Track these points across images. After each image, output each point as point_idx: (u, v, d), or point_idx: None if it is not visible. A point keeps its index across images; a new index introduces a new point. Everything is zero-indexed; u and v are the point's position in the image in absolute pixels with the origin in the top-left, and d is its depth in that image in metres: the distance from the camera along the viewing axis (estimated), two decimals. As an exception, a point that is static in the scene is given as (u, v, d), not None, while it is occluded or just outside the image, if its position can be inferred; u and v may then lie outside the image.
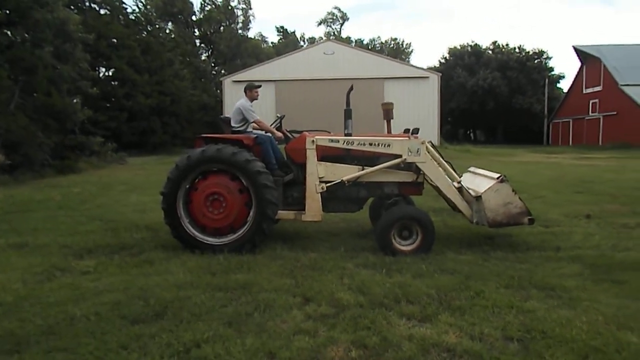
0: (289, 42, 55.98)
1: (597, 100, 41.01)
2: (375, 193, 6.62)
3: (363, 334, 3.64)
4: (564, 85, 52.10)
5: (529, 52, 52.52)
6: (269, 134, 6.65)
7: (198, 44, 50.40)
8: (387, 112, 6.83)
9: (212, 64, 50.03)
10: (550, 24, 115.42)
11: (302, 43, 62.72)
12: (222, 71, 46.32)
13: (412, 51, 66.82)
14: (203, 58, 50.15)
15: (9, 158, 15.86)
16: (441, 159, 6.37)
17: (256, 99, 6.81)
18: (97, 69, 30.13)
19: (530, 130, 51.55)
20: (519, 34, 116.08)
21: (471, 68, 51.43)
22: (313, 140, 6.18)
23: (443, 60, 55.52)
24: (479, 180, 6.39)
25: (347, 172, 6.21)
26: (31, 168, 16.65)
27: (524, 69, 50.76)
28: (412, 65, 30.14)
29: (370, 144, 6.18)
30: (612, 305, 4.19)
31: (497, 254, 5.90)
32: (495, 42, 54.04)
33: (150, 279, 4.91)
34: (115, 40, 30.30)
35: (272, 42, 55.77)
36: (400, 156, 6.13)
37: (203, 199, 5.95)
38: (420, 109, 27.95)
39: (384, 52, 57.12)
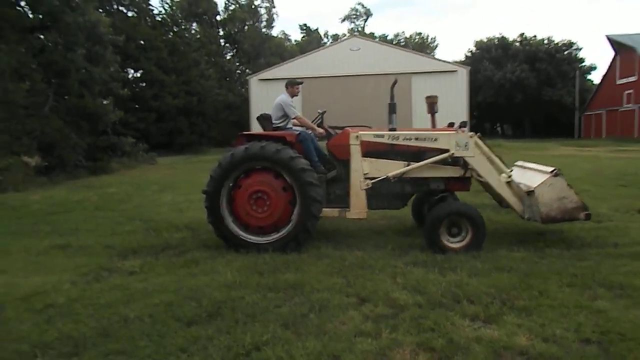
0: (312, 39, 55.84)
1: (631, 91, 39.58)
2: (421, 189, 6.45)
3: (428, 335, 3.48)
4: (595, 76, 50.64)
5: (557, 43, 51.08)
6: (310, 131, 6.51)
7: (223, 44, 50.75)
8: (432, 105, 6.63)
9: (237, 63, 50.32)
10: (579, 14, 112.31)
11: (325, 40, 62.58)
12: (247, 70, 46.54)
13: (437, 46, 65.99)
14: (228, 57, 50.48)
15: (45, 160, 16.19)
16: (491, 153, 6.12)
17: (297, 95, 6.73)
18: (125, 70, 30.55)
19: (559, 123, 50.20)
20: (547, 25, 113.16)
21: (498, 61, 50.30)
22: (357, 136, 6.03)
23: (469, 54, 54.54)
24: (530, 174, 6.17)
25: (391, 168, 6.04)
26: (65, 169, 16.97)
27: (553, 61, 49.38)
28: (440, 60, 29.65)
29: (417, 139, 6.01)
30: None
31: (552, 250, 5.64)
32: (523, 34, 52.71)
33: (198, 279, 4.84)
34: (143, 42, 30.70)
35: (295, 40, 55.91)
36: (448, 150, 5.94)
37: (247, 197, 5.85)
38: (449, 104, 27.37)
39: (409, 47, 56.45)
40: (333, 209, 6.17)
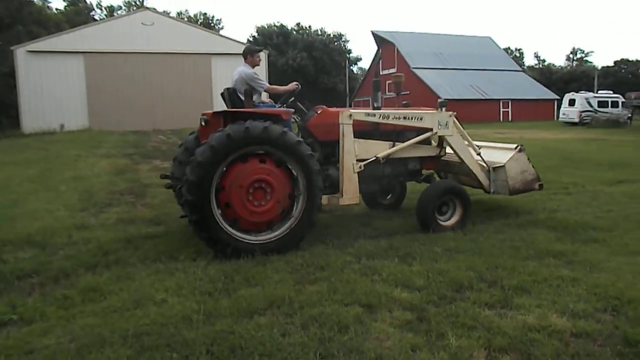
0: (79, 10, 48.53)
1: (392, 81, 46.06)
2: (399, 170, 6.21)
3: (478, 334, 3.13)
4: (365, 66, 57.12)
5: (330, 34, 56.00)
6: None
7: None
8: (398, 85, 6.45)
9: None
10: (347, 9, 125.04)
11: (98, 12, 55.36)
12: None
13: (222, 28, 64.70)
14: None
15: None
16: (464, 132, 6.19)
17: (258, 65, 5.83)
18: None
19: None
20: (321, 16, 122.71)
21: (280, 48, 52.51)
22: (350, 115, 5.47)
23: (252, 39, 55.37)
24: (495, 152, 6.47)
25: (379, 149, 5.73)
26: None
27: (327, 50, 54.00)
28: (240, 42, 29.00)
29: (405, 118, 5.82)
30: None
31: (480, 227, 5.89)
32: (299, 23, 56.16)
33: (127, 316, 3.47)
34: None
35: (57, 9, 47.57)
36: (431, 129, 5.91)
37: (245, 188, 4.77)
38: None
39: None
40: (323, 196, 5.39)
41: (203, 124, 5.38)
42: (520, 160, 6.17)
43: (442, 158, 6.38)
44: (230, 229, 4.79)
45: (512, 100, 42.68)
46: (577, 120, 32.93)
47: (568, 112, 34.32)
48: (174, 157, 6.10)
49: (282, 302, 3.66)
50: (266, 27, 55.86)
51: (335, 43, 55.91)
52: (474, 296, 3.78)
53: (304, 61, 51.30)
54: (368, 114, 5.70)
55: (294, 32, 55.60)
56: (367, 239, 5.36)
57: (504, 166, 6.03)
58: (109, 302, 3.74)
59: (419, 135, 5.94)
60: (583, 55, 79.07)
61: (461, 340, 3.08)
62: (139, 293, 3.85)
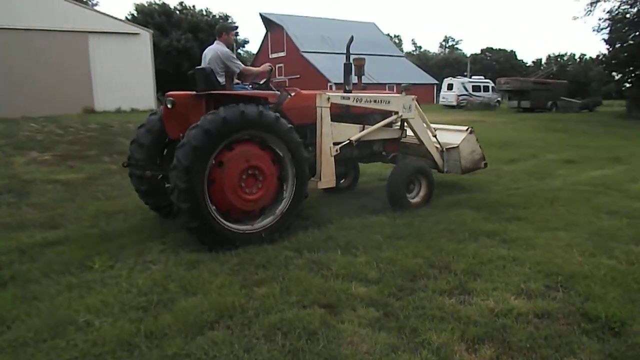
0: None
1: (282, 65, 45.75)
2: (365, 152, 6.33)
3: (452, 326, 3.03)
4: (253, 49, 55.98)
5: (215, 15, 53.82)
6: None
7: None
8: (360, 67, 6.29)
9: None
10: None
11: None
12: None
13: (97, 4, 58.60)
14: None
15: None
16: (424, 115, 6.41)
17: (232, 44, 5.64)
18: None
19: (221, 92, 53.72)
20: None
21: (162, 28, 49.29)
22: (328, 98, 5.37)
23: (130, 18, 51.29)
24: (447, 134, 6.78)
25: (352, 132, 5.79)
26: None
27: (214, 32, 51.65)
28: (121, 19, 26.41)
29: (375, 101, 5.93)
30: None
31: (389, 214, 5.88)
32: (182, 2, 53.16)
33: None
34: None
35: None
36: (397, 112, 6.07)
37: (238, 175, 4.57)
38: (133, 70, 25.13)
39: None
40: None
41: (169, 106, 5.02)
42: (471, 141, 6.63)
43: (401, 140, 6.57)
44: (221, 218, 4.54)
45: (397, 84, 44.79)
46: (455, 103, 35.59)
47: (447, 96, 36.94)
48: (132, 139, 5.60)
49: (234, 311, 3.24)
50: (146, 4, 52.02)
51: (222, 24, 53.97)
52: (431, 284, 3.69)
53: (190, 43, 48.77)
54: (343, 97, 5.67)
55: (177, 12, 52.59)
56: (300, 230, 5.07)
57: (457, 147, 6.43)
58: (15, 332, 3.00)
59: (383, 119, 6.08)
60: (454, 43, 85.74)
61: (436, 334, 2.94)
62: (54, 317, 3.14)
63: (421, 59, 70.57)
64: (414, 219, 5.45)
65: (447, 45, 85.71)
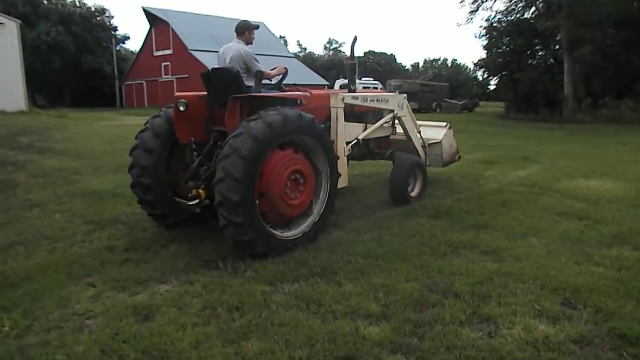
0: None
1: (168, 63, 43.09)
2: (364, 150, 6.43)
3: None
4: (131, 46, 52.15)
5: (90, 7, 49.29)
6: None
7: None
8: (352, 68, 6.26)
9: None
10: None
11: None
12: None
13: None
14: None
15: None
16: (412, 112, 6.64)
17: (251, 44, 5.17)
18: None
19: (100, 92, 49.12)
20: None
21: (28, 19, 43.78)
22: (343, 98, 5.42)
23: (-13, 6, 44.83)
24: (428, 129, 7.05)
25: (357, 131, 5.94)
26: None
27: (88, 26, 47.43)
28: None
29: (377, 100, 6.06)
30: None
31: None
32: (50, -7, 47.78)
33: None
34: None
35: None
36: (393, 111, 6.25)
37: (284, 181, 4.41)
38: (-4, 66, 21.72)
39: None
40: None
41: (182, 108, 4.72)
42: (449, 136, 7.11)
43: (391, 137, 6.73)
44: (270, 228, 4.36)
45: (294, 85, 44.52)
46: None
47: (341, 97, 37.51)
48: (133, 145, 4.98)
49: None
50: (3, -9, 45.84)
51: (98, 18, 49.50)
52: (443, 314, 3.23)
53: (61, 36, 44.02)
54: (354, 97, 5.71)
55: (45, 2, 47.20)
56: (258, 255, 4.31)
57: (440, 142, 6.83)
58: None
59: (378, 117, 6.24)
60: (337, 45, 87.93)
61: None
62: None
63: (307, 60, 71.21)
64: (380, 232, 4.99)
65: (331, 47, 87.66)
